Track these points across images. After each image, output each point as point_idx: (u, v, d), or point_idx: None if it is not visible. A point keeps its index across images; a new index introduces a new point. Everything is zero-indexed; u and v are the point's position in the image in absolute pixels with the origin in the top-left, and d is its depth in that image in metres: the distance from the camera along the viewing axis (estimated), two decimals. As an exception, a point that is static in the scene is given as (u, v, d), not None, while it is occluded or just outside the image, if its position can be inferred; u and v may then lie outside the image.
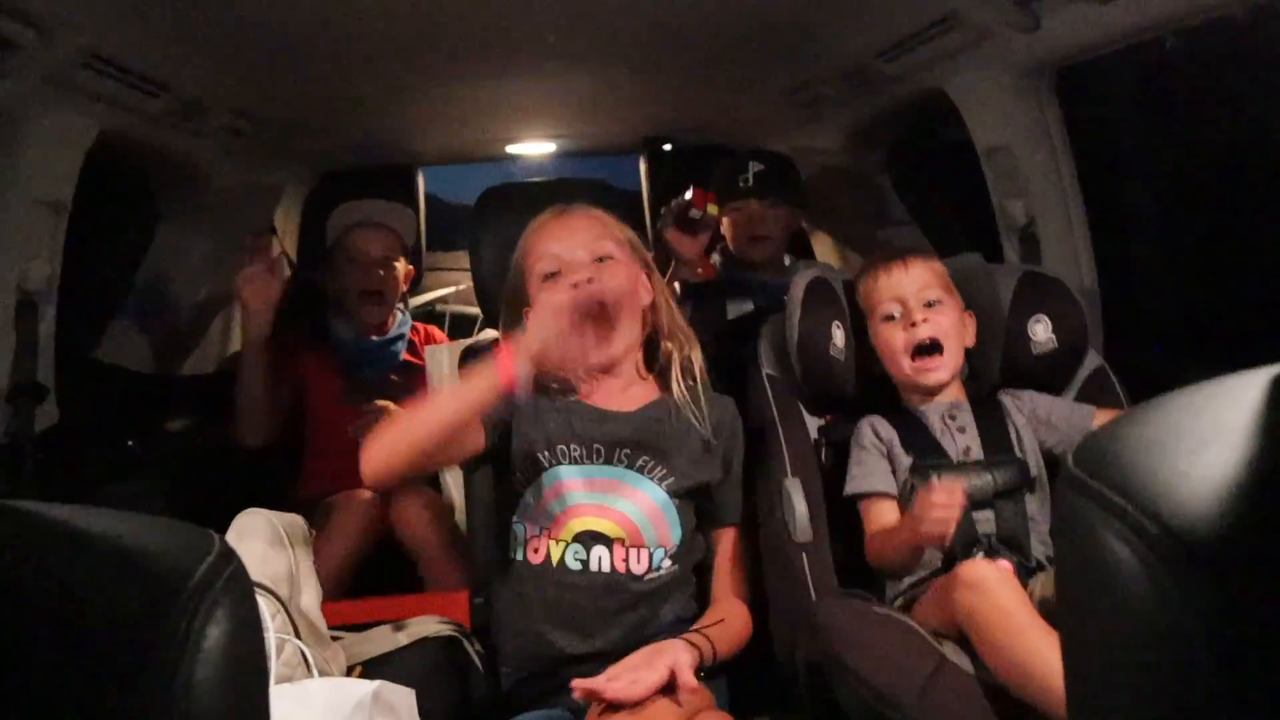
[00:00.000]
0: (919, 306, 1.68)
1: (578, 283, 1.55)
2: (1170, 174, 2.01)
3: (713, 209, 2.27)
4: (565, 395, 1.63)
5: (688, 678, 1.34)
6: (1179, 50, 1.67)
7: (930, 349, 1.67)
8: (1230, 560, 0.51)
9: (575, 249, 1.61)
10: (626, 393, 1.65)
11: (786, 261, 2.68)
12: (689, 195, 2.26)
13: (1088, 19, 1.69)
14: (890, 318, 1.71)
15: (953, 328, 1.69)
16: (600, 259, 1.61)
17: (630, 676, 1.32)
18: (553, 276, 1.60)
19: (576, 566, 1.55)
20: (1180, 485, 0.53)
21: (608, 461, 1.58)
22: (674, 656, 1.37)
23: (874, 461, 1.67)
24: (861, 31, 2.10)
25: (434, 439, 1.43)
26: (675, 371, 1.66)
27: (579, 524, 1.55)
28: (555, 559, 1.55)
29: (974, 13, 1.83)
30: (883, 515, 1.64)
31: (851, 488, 1.68)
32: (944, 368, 1.68)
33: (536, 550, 1.57)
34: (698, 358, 1.69)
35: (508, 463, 1.60)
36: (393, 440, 1.43)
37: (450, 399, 1.48)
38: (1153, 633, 0.52)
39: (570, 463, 1.57)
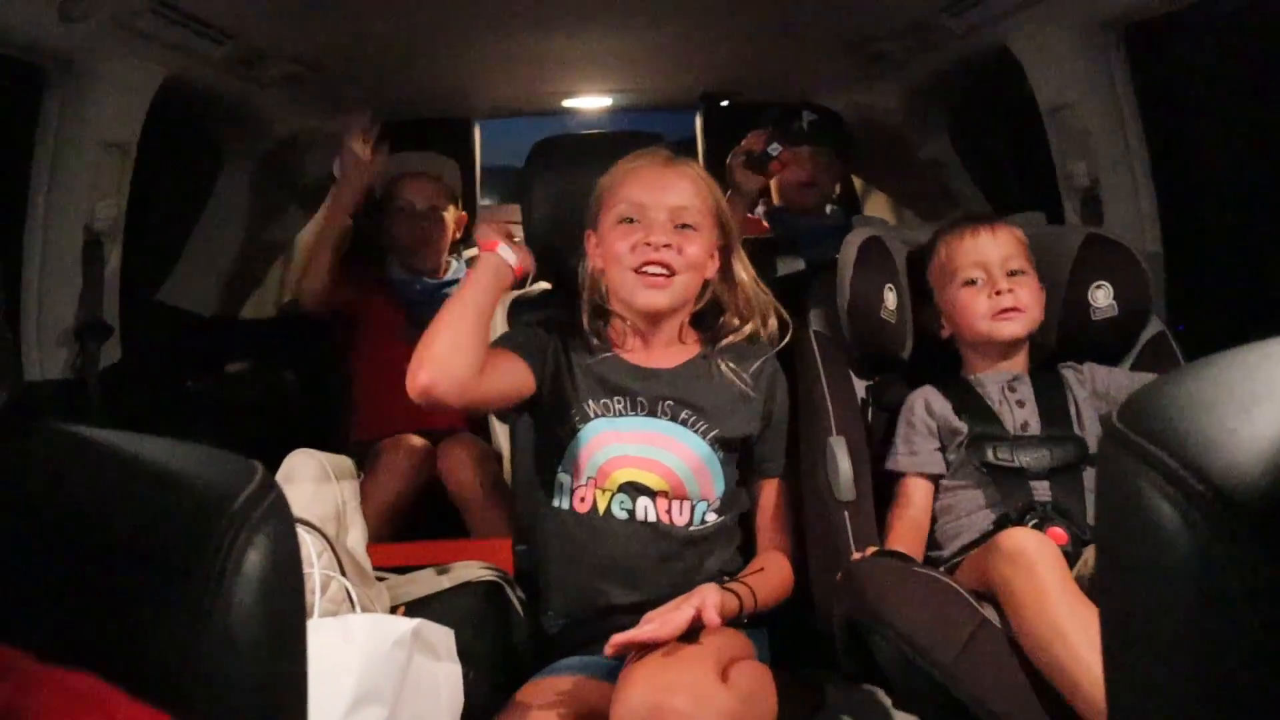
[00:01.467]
0: (1003, 275, 1.66)
1: (654, 251, 1.56)
2: (1244, 136, 1.94)
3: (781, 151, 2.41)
4: (604, 351, 1.64)
5: (711, 615, 1.35)
6: (1257, 5, 1.60)
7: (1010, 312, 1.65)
8: (1278, 520, 0.49)
9: (660, 209, 1.58)
10: (665, 351, 1.66)
11: (829, 210, 2.71)
12: (767, 138, 2.40)
13: (1162, -28, 1.63)
14: (972, 282, 1.68)
15: (1034, 299, 1.67)
16: (681, 225, 1.58)
17: (660, 619, 1.34)
18: (630, 223, 1.59)
19: (623, 516, 1.57)
20: (1228, 443, 0.52)
21: (651, 414, 1.59)
22: (702, 597, 1.38)
23: (920, 440, 1.66)
24: (927, -15, 2.05)
25: (471, 331, 1.44)
26: (731, 336, 1.66)
27: (623, 475, 1.57)
28: (601, 508, 1.57)
29: (1042, -35, 1.78)
30: (914, 496, 1.64)
31: (893, 464, 1.68)
32: (1021, 322, 1.65)
33: (583, 499, 1.58)
34: (769, 331, 1.68)
35: (551, 414, 1.61)
36: (434, 340, 1.43)
37: (467, 288, 1.49)
38: (1193, 590, 0.52)
39: (614, 415, 1.59)
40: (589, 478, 1.58)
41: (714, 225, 1.63)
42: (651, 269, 1.57)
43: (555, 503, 1.62)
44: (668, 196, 1.59)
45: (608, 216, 1.62)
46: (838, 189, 3.06)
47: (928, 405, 1.67)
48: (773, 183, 2.71)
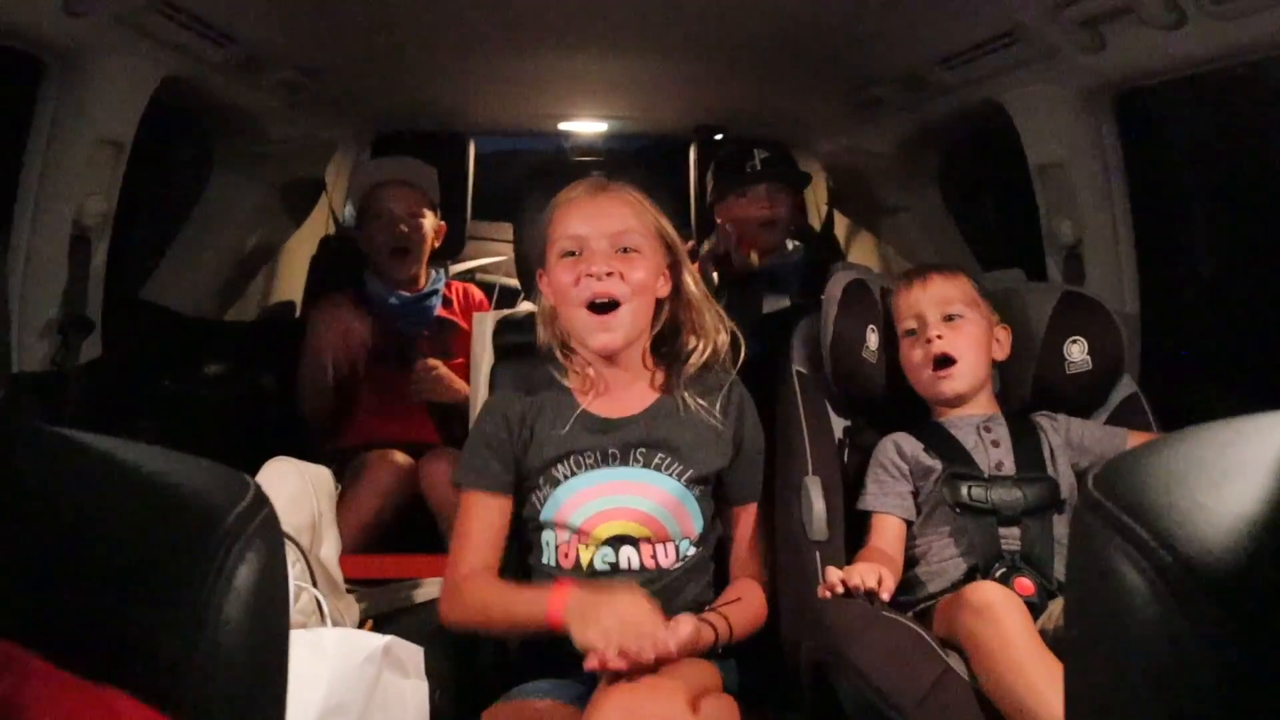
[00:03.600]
0: (936, 322, 1.70)
1: (597, 282, 1.55)
2: (1224, 205, 1.99)
3: (754, 257, 2.47)
4: (571, 406, 1.62)
5: (668, 650, 1.34)
6: (1241, 79, 1.65)
7: (945, 362, 1.68)
8: (1242, 595, 0.51)
9: (600, 237, 1.57)
10: (631, 389, 1.65)
11: (790, 246, 2.72)
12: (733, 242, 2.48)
13: (1153, 44, 1.67)
14: (910, 333, 1.73)
15: (972, 342, 1.69)
16: (624, 249, 1.58)
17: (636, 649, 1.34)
18: (572, 256, 1.58)
19: (605, 568, 1.57)
20: (1198, 517, 0.54)
21: (624, 463, 1.59)
22: (675, 627, 1.38)
23: (890, 482, 1.68)
24: (925, 38, 2.09)
25: (495, 631, 1.59)
26: (685, 366, 1.65)
27: (605, 529, 1.57)
28: (585, 562, 1.57)
29: (1040, 29, 1.82)
30: (883, 533, 1.65)
31: (863, 504, 1.70)
32: (959, 378, 1.68)
33: (567, 555, 1.58)
34: (722, 346, 1.67)
35: (526, 483, 1.61)
36: (471, 617, 1.55)
37: (508, 614, 1.51)
38: (1157, 660, 0.53)
39: (586, 470, 1.58)
40: (571, 535, 1.58)
41: (658, 245, 1.62)
42: (599, 301, 1.56)
43: (544, 560, 1.61)
44: (606, 223, 1.58)
45: (552, 253, 1.61)
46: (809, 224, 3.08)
47: (899, 449, 1.69)
48: (731, 224, 2.69)
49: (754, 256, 2.65)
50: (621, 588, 1.43)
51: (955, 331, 1.69)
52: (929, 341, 1.69)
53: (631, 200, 1.62)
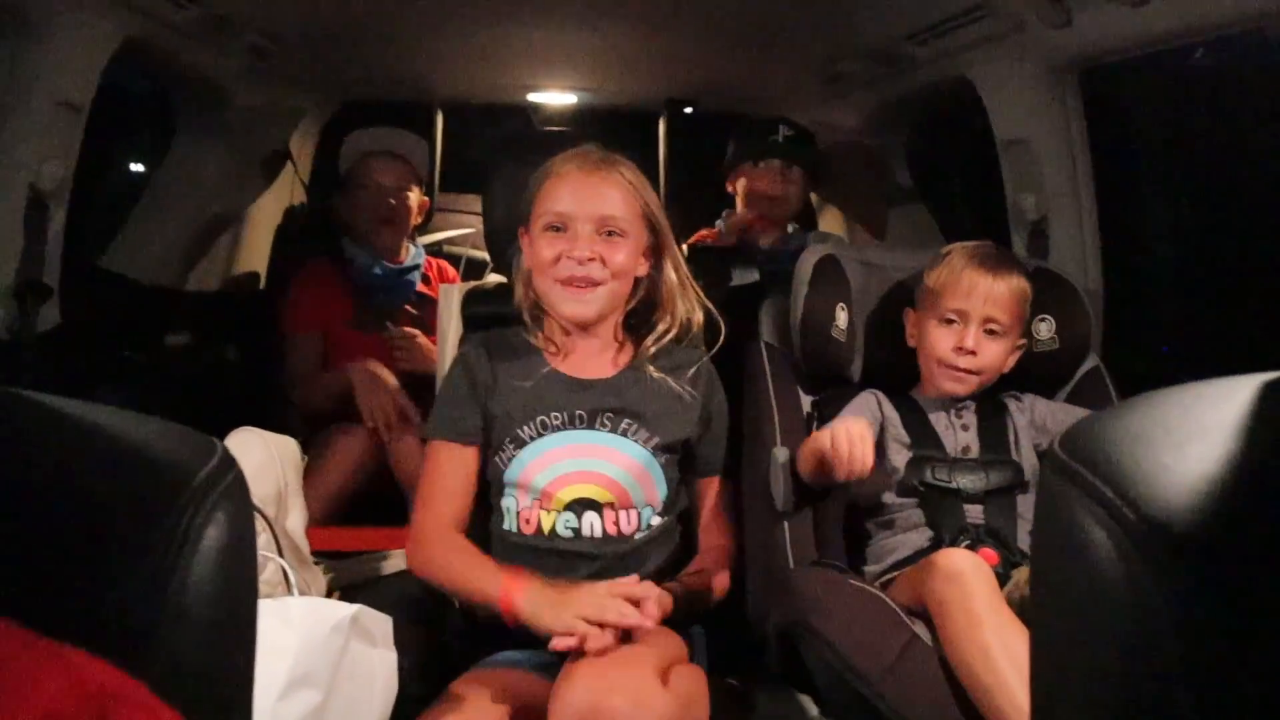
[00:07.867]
0: (978, 335, 1.62)
1: (578, 265, 1.56)
2: (1186, 181, 2.02)
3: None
4: (541, 365, 1.63)
5: (650, 610, 1.37)
6: (1206, 59, 1.67)
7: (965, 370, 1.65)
8: (1204, 552, 0.52)
9: (586, 220, 1.57)
10: (602, 357, 1.66)
11: (789, 229, 2.73)
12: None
13: (1120, 20, 1.68)
14: (948, 321, 1.65)
15: (996, 361, 1.65)
16: (608, 232, 1.58)
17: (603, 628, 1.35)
18: (556, 231, 1.58)
19: (568, 534, 1.57)
20: (1161, 477, 0.54)
21: (590, 427, 1.59)
22: (644, 594, 1.40)
23: (861, 411, 1.68)
24: (894, 12, 2.09)
25: (455, 593, 1.58)
26: (651, 341, 1.66)
27: (568, 493, 1.57)
28: (547, 528, 1.57)
29: (1007, 3, 1.83)
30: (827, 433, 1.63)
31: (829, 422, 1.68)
32: (967, 386, 1.66)
33: (528, 521, 1.58)
34: (695, 326, 1.69)
35: (491, 443, 1.61)
36: (434, 574, 1.55)
37: (466, 585, 1.51)
38: (1121, 616, 0.54)
39: (553, 432, 1.58)
40: (534, 499, 1.58)
41: (643, 228, 1.63)
42: (576, 281, 1.57)
43: (505, 525, 1.61)
44: (595, 206, 1.58)
45: (537, 221, 1.61)
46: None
47: (878, 403, 1.70)
48: (739, 195, 2.73)
49: (762, 240, 2.67)
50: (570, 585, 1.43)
51: (991, 346, 1.63)
52: (959, 349, 1.63)
53: (623, 183, 1.61)
